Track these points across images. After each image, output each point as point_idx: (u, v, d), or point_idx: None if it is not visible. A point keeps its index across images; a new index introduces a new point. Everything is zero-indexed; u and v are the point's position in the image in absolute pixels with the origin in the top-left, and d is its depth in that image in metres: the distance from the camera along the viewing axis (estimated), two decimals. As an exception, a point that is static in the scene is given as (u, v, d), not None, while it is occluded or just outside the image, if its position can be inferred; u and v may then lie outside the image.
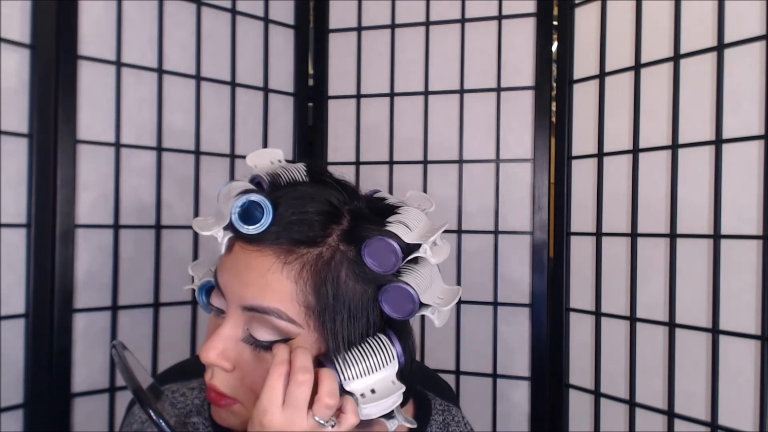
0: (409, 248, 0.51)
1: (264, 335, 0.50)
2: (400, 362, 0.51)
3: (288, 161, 0.59)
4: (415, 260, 0.52)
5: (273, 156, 0.58)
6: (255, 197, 0.49)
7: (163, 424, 0.45)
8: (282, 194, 0.51)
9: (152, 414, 0.45)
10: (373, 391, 0.50)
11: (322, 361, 0.50)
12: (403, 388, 0.50)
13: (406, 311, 0.50)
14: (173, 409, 0.58)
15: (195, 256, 1.21)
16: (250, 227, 0.49)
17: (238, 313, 0.51)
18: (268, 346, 0.50)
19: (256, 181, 0.55)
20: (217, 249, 0.52)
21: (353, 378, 0.49)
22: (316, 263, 0.49)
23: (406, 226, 0.52)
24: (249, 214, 0.49)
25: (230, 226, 0.50)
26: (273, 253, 0.49)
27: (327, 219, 0.50)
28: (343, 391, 0.49)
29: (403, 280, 0.50)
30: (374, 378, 0.50)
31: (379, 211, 0.54)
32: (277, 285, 0.49)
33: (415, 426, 0.56)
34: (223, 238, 0.51)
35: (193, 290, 0.60)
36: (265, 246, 0.49)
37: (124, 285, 1.13)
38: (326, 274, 0.49)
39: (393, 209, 0.55)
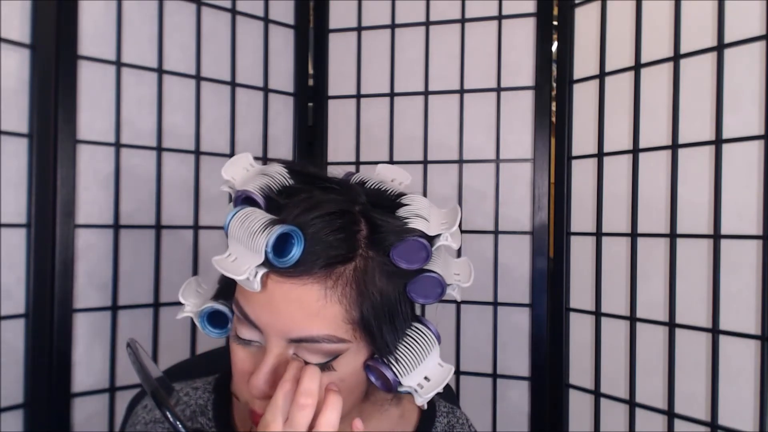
0: (432, 240, 0.52)
1: (314, 359, 0.50)
2: (439, 342, 0.53)
3: (256, 158, 0.57)
4: None
5: (245, 162, 0.56)
6: (286, 229, 0.46)
7: (180, 426, 0.45)
8: (296, 214, 0.48)
9: (170, 416, 0.45)
10: (427, 378, 0.52)
11: (374, 365, 0.51)
12: (453, 368, 0.53)
13: (436, 295, 0.53)
14: (186, 407, 0.58)
15: (195, 257, 1.21)
16: (287, 260, 0.47)
17: (283, 344, 0.50)
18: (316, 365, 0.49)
19: (244, 196, 0.52)
20: (216, 273, 0.50)
21: (408, 373, 0.51)
22: (354, 277, 0.49)
23: (424, 219, 0.52)
24: (281, 246, 0.47)
25: (263, 262, 0.47)
26: (313, 281, 0.48)
27: (351, 231, 0.50)
28: (399, 386, 0.51)
29: (428, 269, 0.52)
30: (426, 367, 0.52)
31: (383, 203, 0.54)
32: (324, 312, 0.48)
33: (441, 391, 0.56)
34: (255, 276, 0.47)
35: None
36: (304, 275, 0.48)
37: (124, 285, 1.13)
38: (365, 284, 0.49)
39: (394, 198, 0.54)
